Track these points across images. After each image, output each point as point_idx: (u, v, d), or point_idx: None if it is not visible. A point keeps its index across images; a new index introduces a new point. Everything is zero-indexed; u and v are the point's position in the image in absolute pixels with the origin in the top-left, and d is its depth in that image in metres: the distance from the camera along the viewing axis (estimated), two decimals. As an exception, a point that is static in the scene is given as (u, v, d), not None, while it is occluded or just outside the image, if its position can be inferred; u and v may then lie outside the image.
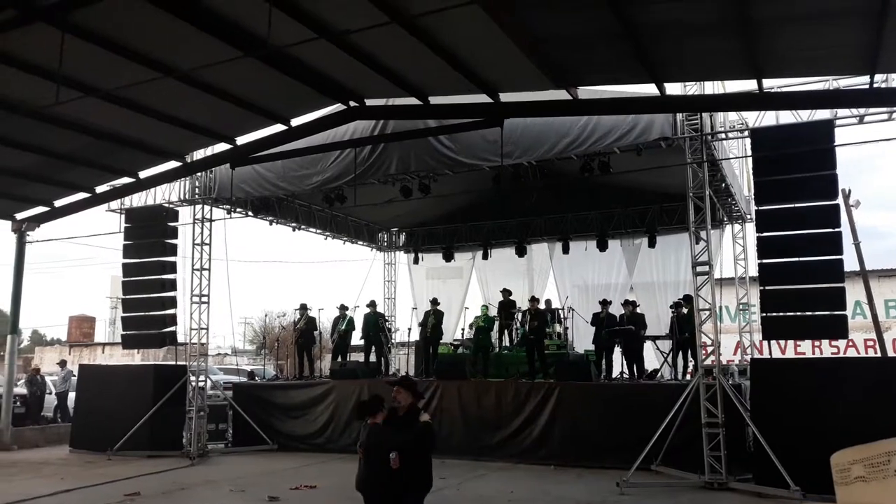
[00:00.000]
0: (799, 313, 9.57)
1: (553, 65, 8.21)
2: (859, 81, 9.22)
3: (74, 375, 16.39)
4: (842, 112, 9.90)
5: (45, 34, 7.31)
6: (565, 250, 17.01)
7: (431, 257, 19.05)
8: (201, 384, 13.59)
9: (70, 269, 76.12)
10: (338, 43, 7.92)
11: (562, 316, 15.59)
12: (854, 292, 15.91)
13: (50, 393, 18.05)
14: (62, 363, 19.17)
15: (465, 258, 18.87)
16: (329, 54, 8.21)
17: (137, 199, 14.42)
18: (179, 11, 7.13)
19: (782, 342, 17.63)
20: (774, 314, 9.62)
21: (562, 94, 9.09)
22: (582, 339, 15.27)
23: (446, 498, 9.01)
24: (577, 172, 11.96)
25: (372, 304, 15.78)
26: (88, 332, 40.92)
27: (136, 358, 27.52)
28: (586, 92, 9.63)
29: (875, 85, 8.41)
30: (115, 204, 14.39)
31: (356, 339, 16.03)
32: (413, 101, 9.70)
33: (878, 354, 18.18)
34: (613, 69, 8.53)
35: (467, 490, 9.68)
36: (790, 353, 19.27)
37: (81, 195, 13.61)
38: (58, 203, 14.09)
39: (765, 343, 13.23)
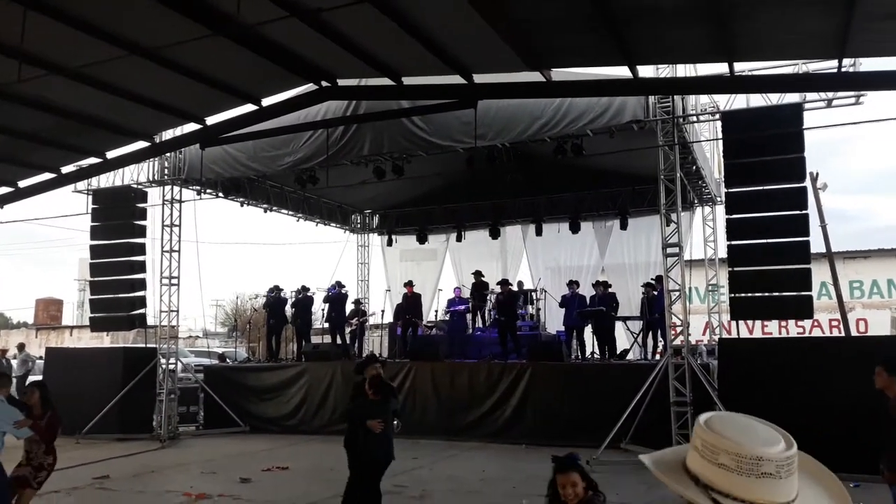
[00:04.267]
0: (766, 294, 9.76)
1: (527, 47, 8.18)
2: (827, 66, 9.33)
3: (39, 358, 16.14)
4: (810, 96, 10.03)
5: (6, 9, 7.09)
6: (538, 232, 17.09)
7: (405, 239, 19.03)
8: (172, 367, 13.48)
9: (36, 250, 74.71)
10: (309, 21, 7.79)
11: (534, 297, 15.71)
12: (820, 273, 16.20)
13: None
14: (20, 346, 18.82)
15: (439, 240, 18.89)
16: (300, 33, 8.08)
17: (105, 180, 14.17)
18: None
19: (750, 322, 17.95)
20: (742, 295, 9.79)
21: (536, 76, 9.07)
22: (554, 320, 15.41)
23: (419, 478, 9.07)
24: (550, 154, 11.99)
25: (338, 285, 15.75)
26: (56, 315, 40.26)
27: (105, 341, 27.15)
28: (560, 74, 9.63)
29: (843, 69, 8.50)
30: (81, 185, 14.11)
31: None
32: (386, 81, 9.60)
33: (843, 334, 18.61)
34: (587, 51, 8.52)
35: (440, 470, 9.76)
36: (757, 333, 19.65)
37: (47, 175, 13.28)
38: (22, 184, 13.72)
39: (733, 323, 13.45)
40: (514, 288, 14.71)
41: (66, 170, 13.20)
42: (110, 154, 12.61)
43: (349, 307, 16.17)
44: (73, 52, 8.13)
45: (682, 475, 1.32)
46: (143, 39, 8.03)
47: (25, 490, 6.08)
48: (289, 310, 15.85)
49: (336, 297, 15.62)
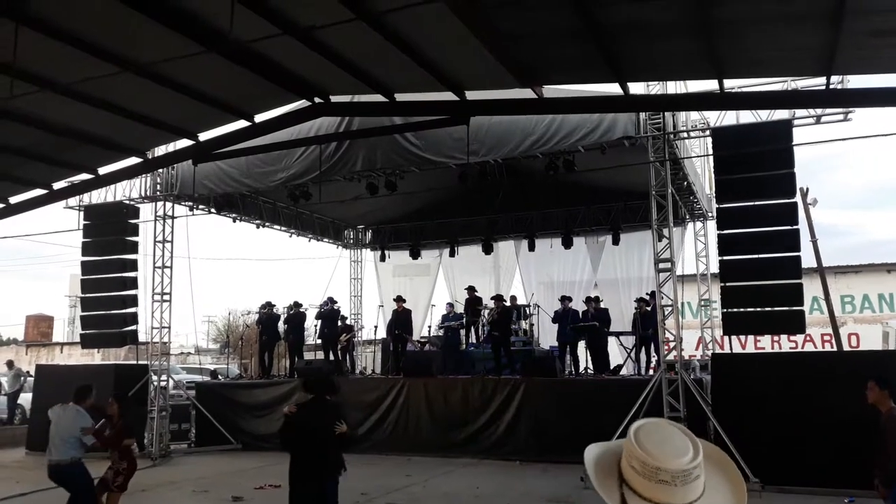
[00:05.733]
0: (758, 309, 9.79)
1: (519, 64, 8.24)
2: (816, 82, 9.42)
3: (30, 375, 15.98)
4: (800, 112, 10.12)
5: (-1, 26, 7.10)
6: (531, 248, 17.13)
7: (398, 255, 19.01)
8: (163, 384, 13.39)
9: (27, 266, 74.31)
10: (302, 39, 7.83)
11: (528, 312, 15.71)
12: (811, 288, 16.28)
13: (3, 394, 17.58)
14: (9, 363, 18.60)
15: (433, 256, 18.88)
16: (293, 50, 8.12)
17: (97, 196, 14.13)
18: (138, 4, 6.98)
19: (742, 337, 17.98)
20: (735, 310, 9.82)
21: (527, 93, 9.12)
22: (547, 336, 15.40)
23: (413, 495, 9.02)
24: (542, 170, 12.04)
25: (330, 301, 15.72)
26: (46, 332, 39.98)
27: (95, 358, 26.94)
28: (551, 91, 9.69)
29: (831, 86, 8.59)
30: (73, 201, 14.08)
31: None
32: (379, 97, 9.65)
33: (835, 349, 18.65)
34: (578, 68, 8.59)
35: (433, 487, 9.70)
36: (750, 348, 19.67)
37: (38, 191, 13.23)
38: (13, 200, 13.68)
39: (725, 338, 13.50)
40: (508, 303, 14.72)
41: (57, 186, 13.14)
42: (102, 170, 12.57)
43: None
44: (66, 68, 8.15)
45: (615, 468, 1.53)
46: (136, 56, 8.05)
47: (110, 494, 7.02)
48: (281, 326, 15.80)
49: (328, 313, 15.58)
